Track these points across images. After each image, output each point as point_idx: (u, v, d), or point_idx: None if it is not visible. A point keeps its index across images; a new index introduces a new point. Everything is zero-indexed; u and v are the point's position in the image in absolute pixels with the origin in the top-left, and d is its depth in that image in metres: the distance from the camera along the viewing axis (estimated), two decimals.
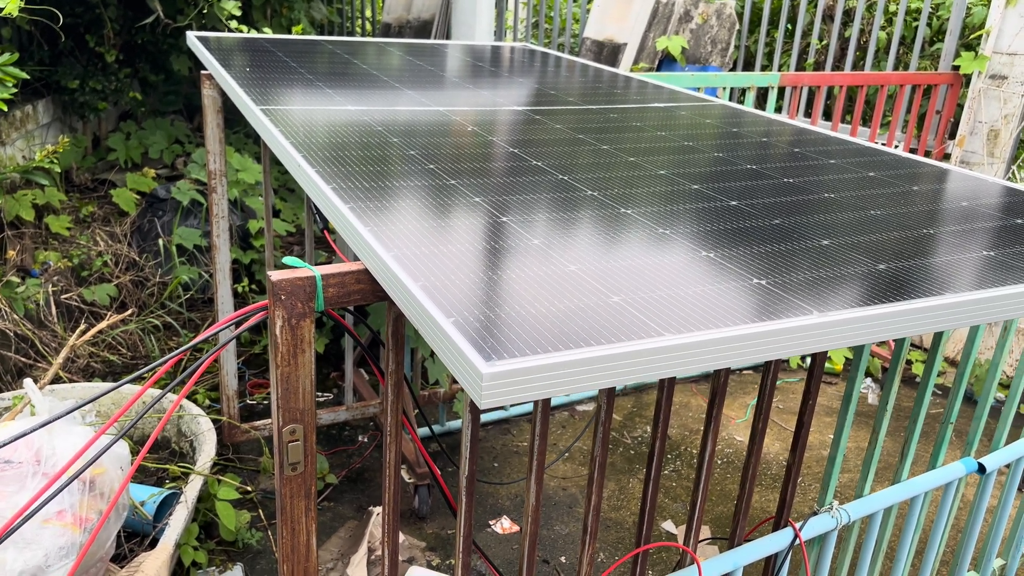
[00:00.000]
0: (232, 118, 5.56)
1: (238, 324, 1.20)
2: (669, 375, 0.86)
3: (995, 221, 1.41)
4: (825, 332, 0.94)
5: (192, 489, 2.31)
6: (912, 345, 4.16)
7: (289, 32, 5.34)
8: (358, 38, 3.41)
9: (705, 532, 2.83)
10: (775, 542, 1.69)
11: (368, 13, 6.92)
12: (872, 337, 0.98)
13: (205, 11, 4.07)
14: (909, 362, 4.04)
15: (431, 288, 0.94)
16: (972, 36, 4.02)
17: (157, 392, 2.85)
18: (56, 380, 3.15)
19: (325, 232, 1.69)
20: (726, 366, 0.90)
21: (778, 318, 0.93)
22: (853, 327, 0.96)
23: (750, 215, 1.34)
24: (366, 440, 3.18)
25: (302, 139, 1.57)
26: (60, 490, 1.34)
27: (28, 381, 1.84)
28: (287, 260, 1.08)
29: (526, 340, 0.84)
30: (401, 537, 2.55)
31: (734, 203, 1.40)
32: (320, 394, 3.48)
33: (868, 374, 4.03)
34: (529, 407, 3.45)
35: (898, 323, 1.00)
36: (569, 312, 0.91)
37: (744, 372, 4.02)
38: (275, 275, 1.03)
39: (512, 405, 3.45)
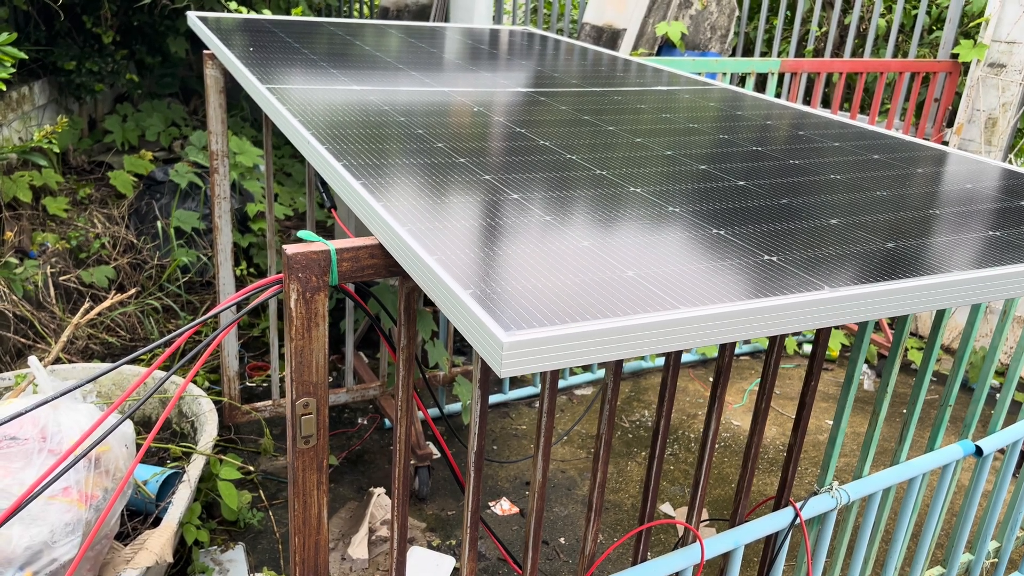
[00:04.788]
0: (229, 101, 5.53)
1: (245, 303, 1.21)
2: (685, 347, 0.87)
3: (997, 203, 1.42)
4: (836, 307, 0.95)
5: (194, 469, 2.32)
6: (909, 333, 4.19)
7: (288, 14, 5.31)
8: (358, 20, 3.40)
9: (703, 515, 2.86)
10: (776, 521, 1.71)
11: None
12: (879, 313, 1.00)
13: None
14: (905, 349, 4.07)
15: (447, 261, 0.95)
16: (971, 24, 4.03)
17: (161, 374, 2.86)
18: (56, 361, 3.15)
19: (332, 211, 1.70)
20: (740, 338, 0.91)
21: (790, 293, 0.94)
22: (862, 302, 0.97)
23: (757, 195, 1.35)
24: (365, 423, 3.20)
25: (309, 117, 1.57)
26: (69, 468, 1.34)
27: (33, 359, 1.84)
28: (302, 234, 1.09)
29: (543, 311, 0.85)
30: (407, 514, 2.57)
31: (741, 183, 1.41)
32: None
33: (865, 360, 4.06)
34: (527, 391, 3.47)
35: (905, 299, 1.01)
36: (584, 285, 0.92)
37: (742, 358, 4.04)
38: (290, 248, 1.04)
39: (511, 388, 3.47)
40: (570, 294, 0.90)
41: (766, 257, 1.06)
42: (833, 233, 1.18)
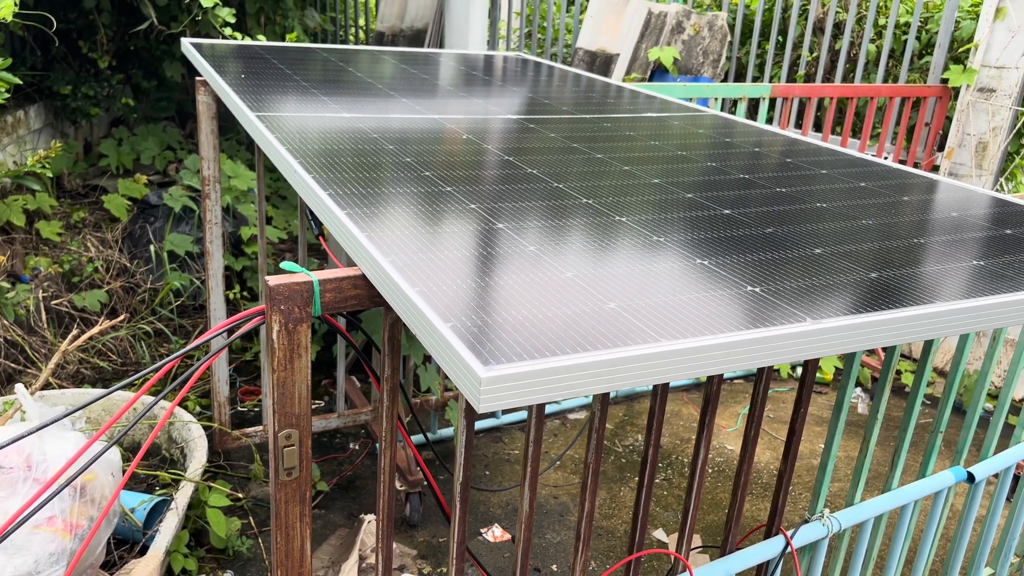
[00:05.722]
0: (224, 125, 5.55)
1: (232, 330, 1.20)
2: (665, 380, 0.87)
3: (983, 232, 1.43)
4: (818, 339, 0.95)
5: (183, 496, 2.30)
6: (901, 356, 4.18)
7: (283, 40, 5.35)
8: (352, 46, 3.42)
9: (696, 541, 2.84)
10: (766, 550, 1.69)
11: (361, 22, 6.94)
12: (863, 344, 1.00)
13: (199, 18, 4.07)
14: (899, 372, 4.07)
15: (428, 293, 0.95)
16: (961, 49, 4.07)
17: (149, 399, 2.84)
18: (46, 386, 3.14)
19: (320, 238, 1.69)
20: (721, 372, 0.90)
21: (772, 325, 0.94)
22: (845, 334, 0.97)
23: (743, 224, 1.35)
24: (357, 448, 3.18)
25: (298, 145, 1.58)
26: (52, 496, 1.33)
27: (19, 387, 1.83)
28: (285, 265, 1.08)
29: (523, 345, 0.84)
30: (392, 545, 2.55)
31: (727, 212, 1.41)
32: (311, 401, 3.48)
33: (858, 384, 4.06)
34: (521, 415, 3.46)
35: (889, 331, 1.01)
36: (566, 318, 0.92)
37: (735, 381, 4.03)
38: (272, 280, 1.04)
39: (504, 412, 3.45)
40: (551, 327, 0.89)
41: (749, 288, 1.06)
42: (818, 263, 1.18)
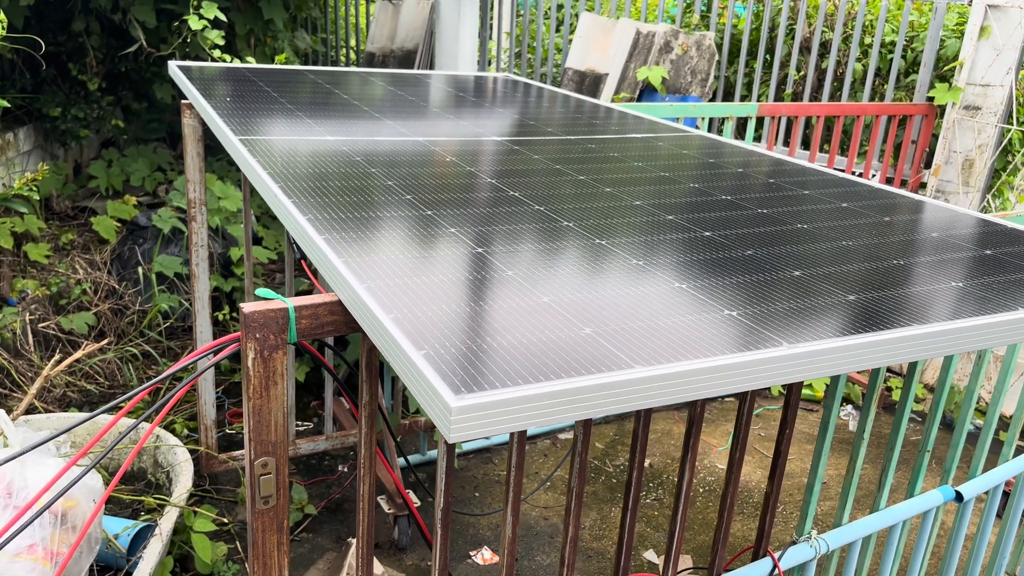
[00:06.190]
0: (215, 145, 5.56)
1: (215, 354, 1.19)
2: (638, 407, 0.86)
3: (964, 252, 1.43)
4: (793, 364, 0.95)
5: (167, 521, 2.28)
6: (893, 372, 4.18)
7: (273, 61, 5.36)
8: (341, 68, 3.43)
9: (688, 562, 2.82)
10: (753, 572, 1.68)
11: (352, 43, 6.97)
12: (840, 368, 0.99)
13: (188, 40, 4.08)
14: (889, 389, 4.07)
15: (403, 320, 0.95)
16: (946, 68, 4.10)
17: (131, 422, 2.82)
18: (32, 410, 3.11)
19: (302, 262, 1.69)
20: (694, 398, 0.90)
21: (748, 350, 0.94)
22: (821, 358, 0.97)
23: (723, 246, 1.35)
24: (346, 470, 3.16)
25: (280, 169, 1.57)
26: (29, 523, 1.32)
27: (0, 412, 1.82)
28: (260, 292, 1.08)
29: (496, 373, 0.84)
30: (381, 569, 2.52)
31: (708, 234, 1.41)
32: (300, 423, 3.46)
33: (849, 401, 4.05)
34: None
35: (866, 354, 1.01)
36: (541, 344, 0.92)
37: (727, 400, 4.02)
38: (247, 307, 1.03)
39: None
40: (525, 354, 0.89)
41: (727, 312, 1.06)
42: (796, 286, 1.18)
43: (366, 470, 1.22)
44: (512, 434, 1.26)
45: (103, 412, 1.26)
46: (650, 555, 2.82)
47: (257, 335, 1.03)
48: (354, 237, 1.23)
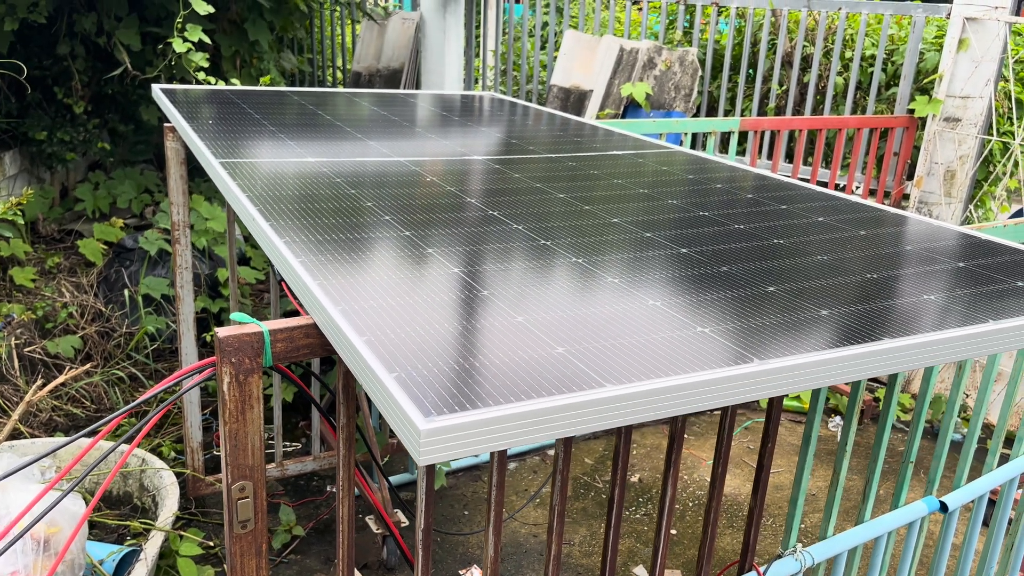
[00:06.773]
0: (201, 167, 5.56)
1: (193, 378, 1.19)
2: (610, 426, 0.87)
3: (939, 265, 1.45)
4: (764, 379, 0.95)
5: (152, 546, 2.26)
6: (880, 383, 4.20)
7: (259, 82, 5.38)
8: (326, 88, 3.45)
9: None
10: None
11: (339, 62, 7.00)
12: (812, 383, 1.00)
13: (173, 63, 4.10)
14: (876, 400, 4.08)
15: (376, 342, 0.95)
16: (926, 80, 4.15)
17: (108, 445, 2.81)
18: (17, 435, 3.09)
19: (283, 284, 1.69)
20: (666, 416, 0.91)
21: (719, 367, 0.95)
22: (793, 374, 0.98)
23: (699, 263, 1.36)
24: (334, 490, 3.14)
25: (259, 192, 1.58)
26: (5, 549, 1.31)
27: None
28: (235, 316, 1.08)
29: (467, 394, 0.84)
30: None
31: (683, 251, 1.42)
32: (288, 444, 3.44)
33: (837, 412, 4.06)
34: None
35: (838, 368, 1.02)
36: (513, 364, 0.92)
37: (715, 413, 4.03)
38: (222, 332, 1.03)
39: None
40: (497, 374, 0.89)
41: (699, 329, 1.06)
42: (770, 302, 1.19)
43: (345, 492, 1.22)
44: (492, 453, 1.27)
45: (82, 436, 1.26)
46: (640, 571, 2.82)
47: (232, 359, 1.03)
48: (331, 259, 1.23)
